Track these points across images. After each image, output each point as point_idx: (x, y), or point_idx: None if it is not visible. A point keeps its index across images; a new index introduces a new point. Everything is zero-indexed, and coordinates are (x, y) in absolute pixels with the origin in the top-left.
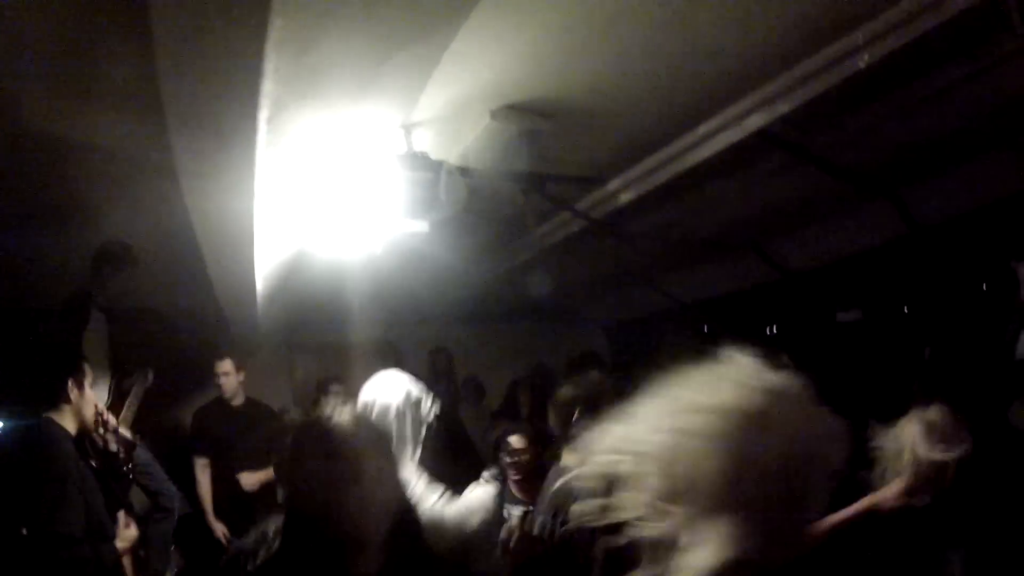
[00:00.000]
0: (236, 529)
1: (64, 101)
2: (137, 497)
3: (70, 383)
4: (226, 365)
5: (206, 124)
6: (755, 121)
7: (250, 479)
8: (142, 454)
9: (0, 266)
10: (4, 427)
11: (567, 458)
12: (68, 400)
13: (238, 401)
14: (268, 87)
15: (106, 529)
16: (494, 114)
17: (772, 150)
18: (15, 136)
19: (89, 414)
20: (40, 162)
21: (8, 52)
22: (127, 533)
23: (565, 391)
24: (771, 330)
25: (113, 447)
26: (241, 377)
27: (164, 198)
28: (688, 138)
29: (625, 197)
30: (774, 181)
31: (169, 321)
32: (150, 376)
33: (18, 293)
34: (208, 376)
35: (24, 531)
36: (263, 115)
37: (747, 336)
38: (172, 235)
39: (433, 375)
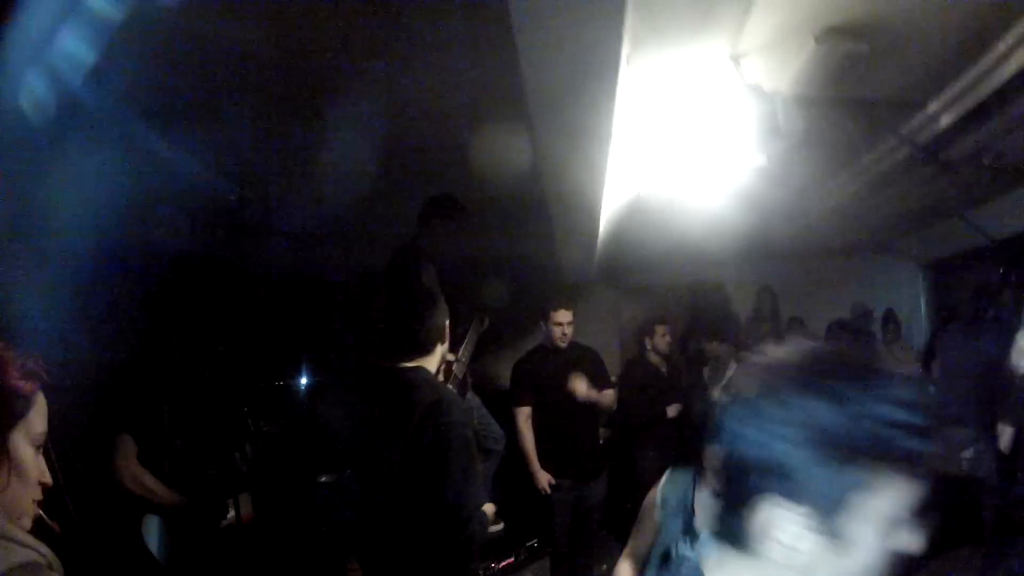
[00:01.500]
0: (562, 477)
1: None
2: None
3: (442, 325)
4: (563, 315)
5: (564, 64)
6: None
7: (581, 385)
8: (471, 398)
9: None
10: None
11: None
12: (443, 341)
13: (563, 345)
14: (630, 22)
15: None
16: (819, 38)
17: None
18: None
19: (443, 358)
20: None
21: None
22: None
23: None
24: None
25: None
26: (570, 328)
27: (511, 143)
28: (989, 57)
29: (944, 121)
30: None
31: (500, 271)
32: (485, 321)
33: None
34: (534, 323)
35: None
36: (625, 51)
37: None
38: (514, 182)
39: (757, 314)
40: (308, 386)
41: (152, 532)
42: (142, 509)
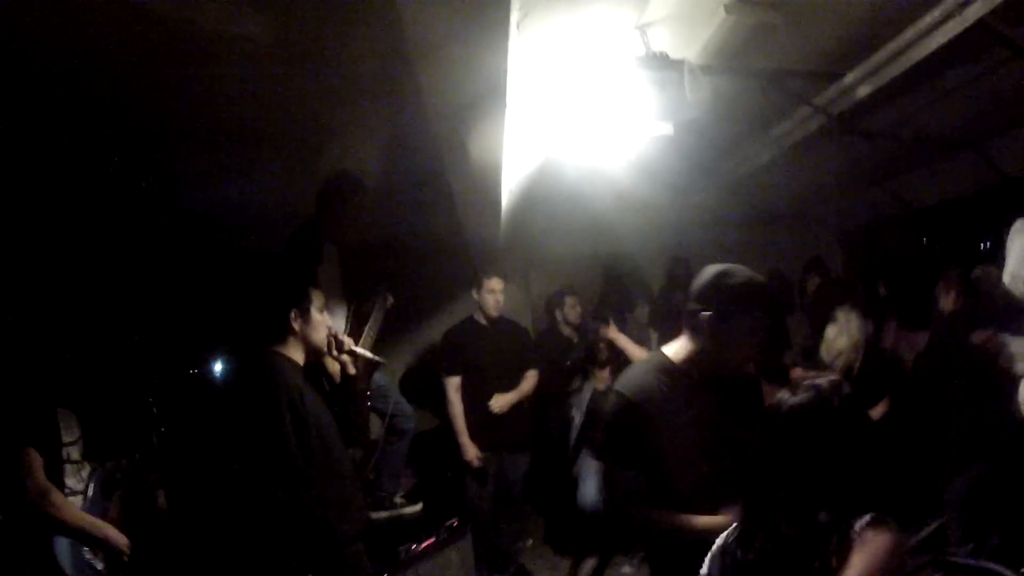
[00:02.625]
0: (487, 449)
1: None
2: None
3: (292, 313)
4: (496, 283)
5: (453, 33)
6: (973, 12)
7: (501, 400)
8: (378, 378)
9: (226, 208)
10: (231, 366)
11: None
12: (292, 331)
13: (493, 319)
14: None
15: (337, 464)
16: (728, 8)
17: (990, 45)
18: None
19: (319, 339)
20: (274, 84)
21: None
22: None
23: None
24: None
25: (351, 370)
26: (502, 296)
27: (402, 118)
28: (913, 30)
29: (861, 92)
30: (994, 78)
31: (404, 247)
32: (389, 299)
33: (244, 234)
34: (448, 299)
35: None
36: (514, 18)
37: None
38: (408, 158)
39: (670, 283)
40: (218, 374)
41: (65, 551)
42: (50, 529)
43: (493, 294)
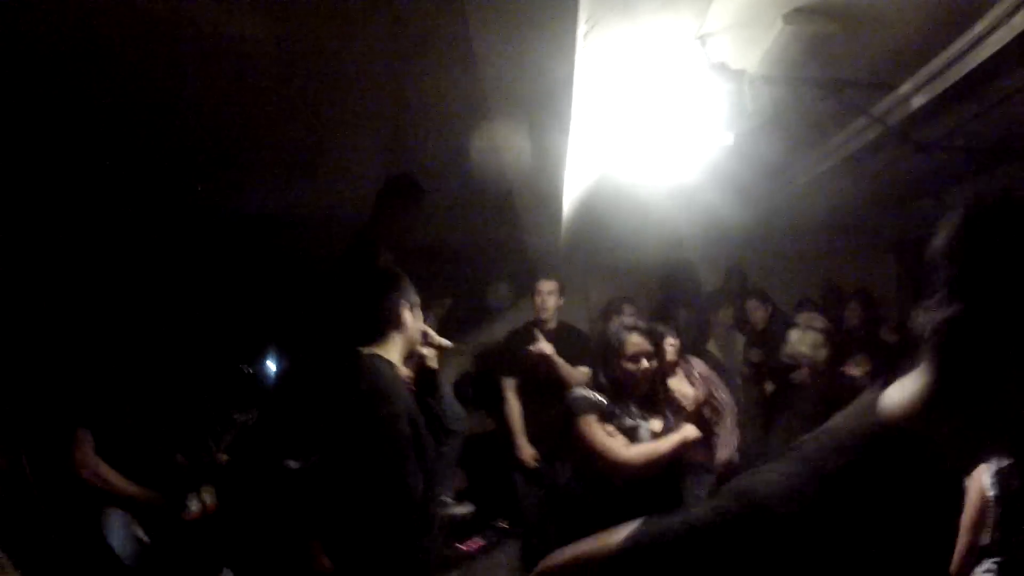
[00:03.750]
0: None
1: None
2: None
3: (405, 307)
4: (549, 285)
5: (519, 43)
6: (1021, 20)
7: (543, 346)
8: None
9: (285, 212)
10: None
11: None
12: (399, 327)
13: (552, 325)
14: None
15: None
16: (786, 18)
17: None
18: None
19: (418, 335)
20: (317, 86)
21: None
22: None
23: None
24: None
25: (434, 363)
26: (561, 301)
27: (466, 124)
28: (963, 40)
29: (916, 102)
30: None
31: (465, 254)
32: (447, 304)
33: (305, 238)
34: (508, 305)
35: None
36: (581, 31)
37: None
38: (471, 164)
39: (727, 294)
40: (276, 373)
41: (114, 526)
42: (101, 501)
43: (541, 296)
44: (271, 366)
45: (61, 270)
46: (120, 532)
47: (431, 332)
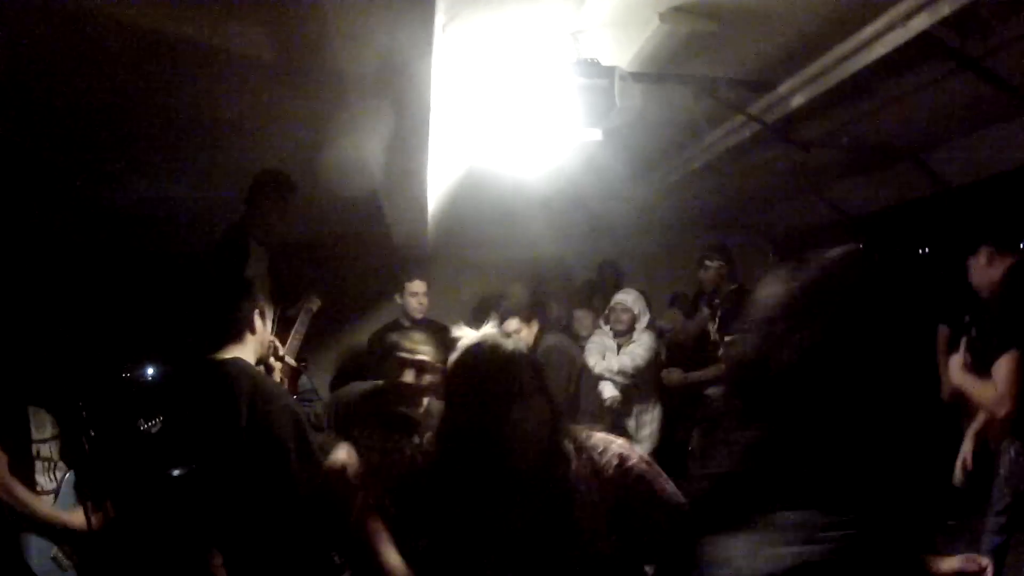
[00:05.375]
0: None
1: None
2: None
3: (255, 312)
4: (418, 285)
5: (378, 35)
6: (918, 23)
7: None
8: (304, 381)
9: (147, 213)
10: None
11: None
12: (252, 331)
13: (416, 322)
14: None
15: None
16: (662, 16)
17: (934, 56)
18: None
19: (265, 344)
20: (186, 80)
21: None
22: None
23: None
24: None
25: (278, 376)
26: (426, 300)
27: (326, 114)
28: (854, 40)
29: (796, 101)
30: (936, 89)
31: (332, 249)
32: (316, 303)
33: (167, 239)
34: (375, 301)
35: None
36: (439, 21)
37: (904, 253)
38: (334, 157)
39: (601, 289)
40: (162, 378)
41: (33, 551)
42: (18, 526)
43: (416, 296)
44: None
45: None
46: (40, 559)
47: (279, 346)
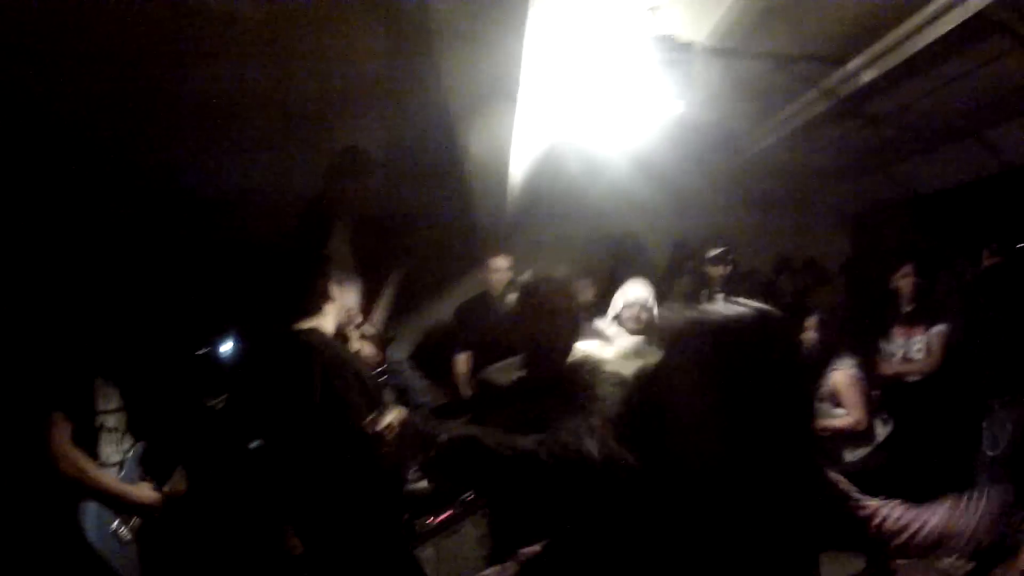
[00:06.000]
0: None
1: None
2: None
3: (327, 286)
4: (501, 261)
5: (471, 14)
6: (977, 2)
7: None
8: (393, 352)
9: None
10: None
11: None
12: (328, 301)
13: (504, 300)
14: None
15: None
16: None
17: (994, 34)
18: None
19: (340, 316)
20: (279, 62)
21: None
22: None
23: None
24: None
25: (366, 348)
26: (512, 275)
27: (414, 96)
28: (918, 18)
29: (866, 76)
30: (995, 67)
31: (415, 225)
32: (400, 275)
33: (250, 220)
34: (458, 274)
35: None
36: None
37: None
38: (420, 135)
39: (677, 266)
40: (233, 356)
41: (91, 520)
42: (78, 494)
43: (499, 273)
44: (232, 349)
45: (27, 250)
46: (99, 529)
47: (360, 316)
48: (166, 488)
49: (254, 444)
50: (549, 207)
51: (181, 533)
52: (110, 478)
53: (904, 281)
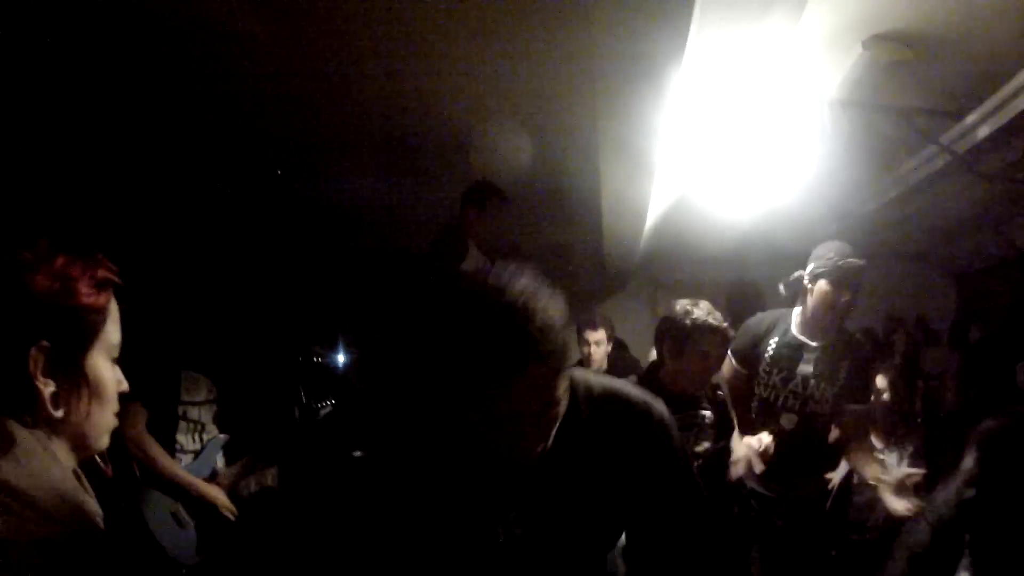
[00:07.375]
0: None
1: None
2: None
3: None
4: (599, 334)
5: (632, 40)
6: None
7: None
8: None
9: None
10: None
11: None
12: None
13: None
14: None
15: None
16: (865, 44)
17: None
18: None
19: None
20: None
21: None
22: None
23: None
24: None
25: None
26: (609, 347)
27: (566, 128)
28: None
29: (982, 131)
30: None
31: (547, 257)
32: None
33: (396, 236)
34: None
35: None
36: (694, 29)
37: None
38: (562, 170)
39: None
40: (348, 364)
41: (155, 508)
42: (144, 481)
43: (598, 346)
44: (341, 356)
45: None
46: (158, 511)
47: None
48: (253, 480)
49: (358, 453)
50: (669, 251)
51: (252, 527)
52: (177, 467)
53: None
